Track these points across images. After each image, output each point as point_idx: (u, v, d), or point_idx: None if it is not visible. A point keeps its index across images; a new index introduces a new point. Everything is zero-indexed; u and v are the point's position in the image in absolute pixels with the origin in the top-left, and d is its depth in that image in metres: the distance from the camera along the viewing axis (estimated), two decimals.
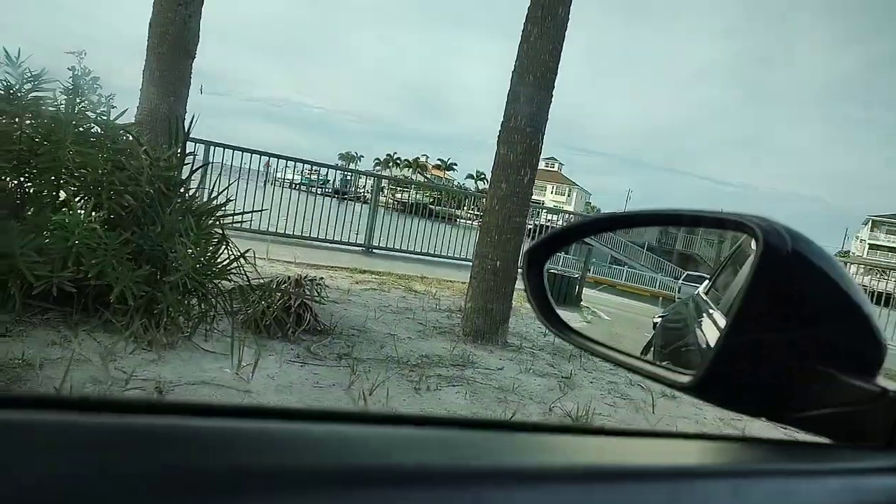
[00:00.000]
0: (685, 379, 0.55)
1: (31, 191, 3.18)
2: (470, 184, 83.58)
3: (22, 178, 3.14)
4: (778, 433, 0.69)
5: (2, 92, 3.04)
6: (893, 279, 10.66)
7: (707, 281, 1.63)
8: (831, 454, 0.49)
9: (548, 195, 74.01)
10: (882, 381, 0.52)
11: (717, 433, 2.80)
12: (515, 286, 4.82)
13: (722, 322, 1.06)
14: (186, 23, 4.43)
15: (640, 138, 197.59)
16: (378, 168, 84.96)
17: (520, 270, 4.83)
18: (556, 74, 4.56)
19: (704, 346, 0.97)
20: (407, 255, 9.78)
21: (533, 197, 5.12)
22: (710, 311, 1.25)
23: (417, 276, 7.40)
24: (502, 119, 4.63)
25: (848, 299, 0.52)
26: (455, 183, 73.19)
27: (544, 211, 15.40)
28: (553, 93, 4.59)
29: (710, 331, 1.04)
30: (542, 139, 4.65)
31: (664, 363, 0.62)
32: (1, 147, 2.83)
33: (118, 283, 2.96)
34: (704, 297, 1.48)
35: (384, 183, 12.19)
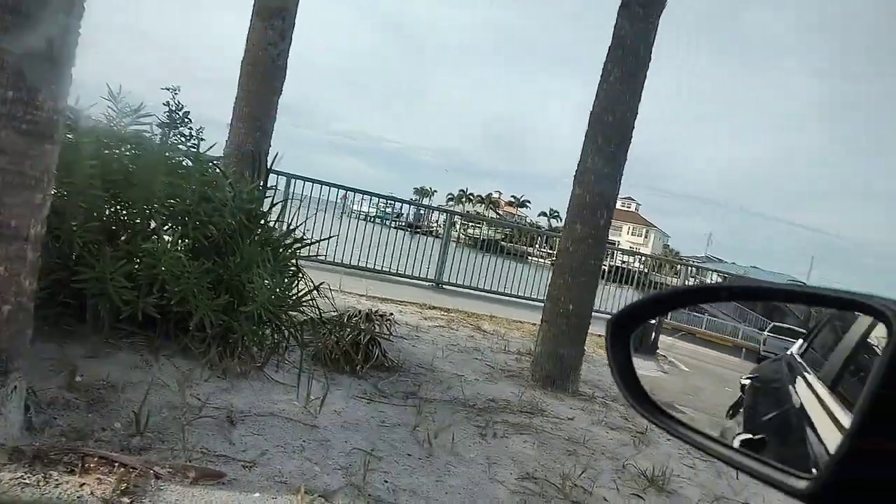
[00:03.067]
0: (801, 484, 0.46)
1: (125, 219, 3.35)
2: (543, 221, 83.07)
3: (117, 207, 3.32)
4: None
5: (104, 124, 3.25)
6: None
7: (802, 340, 1.48)
8: None
9: (623, 236, 72.37)
10: None
11: None
12: (589, 331, 4.65)
13: (827, 398, 0.93)
14: (275, 61, 4.64)
15: (726, 181, 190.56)
16: (451, 203, 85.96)
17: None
18: (636, 115, 4.45)
19: (807, 426, 0.86)
20: (476, 292, 9.70)
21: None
22: (809, 378, 1.13)
23: (486, 314, 7.30)
24: (579, 159, 4.55)
25: None
26: (528, 220, 72.92)
27: (619, 252, 14.99)
28: (633, 134, 4.47)
29: (814, 408, 0.92)
30: (620, 181, 4.52)
31: (773, 461, 0.53)
32: (101, 177, 3.00)
33: (198, 311, 3.05)
34: (800, 360, 1.34)
35: (456, 218, 12.23)
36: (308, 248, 4.00)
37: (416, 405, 3.34)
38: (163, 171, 3.18)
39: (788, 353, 1.48)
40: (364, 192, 9.80)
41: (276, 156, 4.01)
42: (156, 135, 3.40)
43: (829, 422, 0.77)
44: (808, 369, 1.20)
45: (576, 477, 2.87)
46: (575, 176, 4.58)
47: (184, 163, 3.45)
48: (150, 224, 3.33)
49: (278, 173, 7.73)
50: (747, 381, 1.46)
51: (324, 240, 4.57)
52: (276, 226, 3.91)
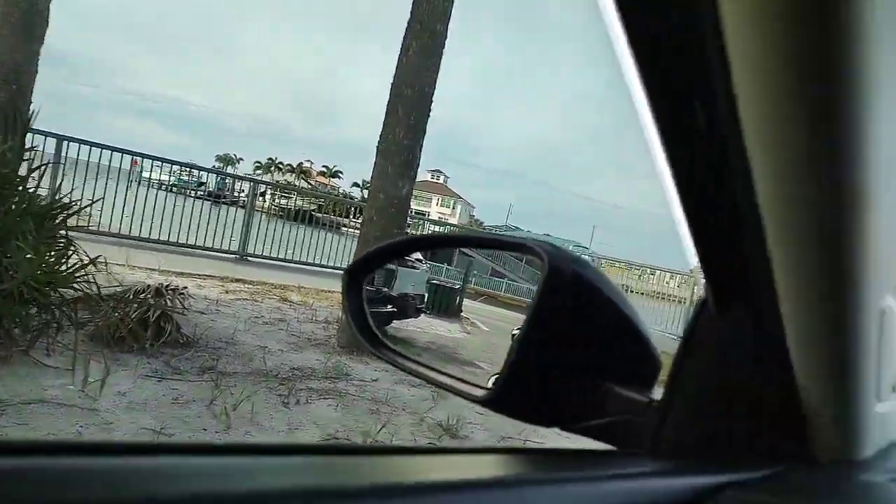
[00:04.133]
0: (480, 393, 0.58)
1: None
2: (356, 192, 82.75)
3: None
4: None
5: None
6: None
7: None
8: (604, 461, 0.53)
9: (433, 207, 74.92)
10: (655, 392, 0.57)
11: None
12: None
13: None
14: (34, 4, 4.02)
15: (527, 156, 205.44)
16: (259, 172, 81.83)
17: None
18: (434, 89, 4.64)
19: None
20: (285, 263, 9.46)
21: (418, 209, 5.17)
22: None
23: (294, 285, 7.19)
24: (381, 130, 4.64)
25: (625, 319, 0.58)
26: (340, 191, 72.19)
27: (429, 223, 15.57)
28: (431, 107, 4.66)
29: None
30: (420, 152, 4.71)
31: (464, 377, 0.65)
32: None
33: None
34: None
35: (265, 188, 11.74)
36: (85, 217, 3.59)
37: (213, 379, 3.23)
38: None
39: None
40: (158, 159, 8.97)
41: (34, 113, 3.49)
42: None
43: None
44: None
45: (376, 433, 3.02)
46: (378, 147, 4.67)
47: None
48: None
49: (45, 134, 6.76)
50: (516, 332, 1.67)
51: (89, 204, 3.95)
52: (42, 193, 3.46)
